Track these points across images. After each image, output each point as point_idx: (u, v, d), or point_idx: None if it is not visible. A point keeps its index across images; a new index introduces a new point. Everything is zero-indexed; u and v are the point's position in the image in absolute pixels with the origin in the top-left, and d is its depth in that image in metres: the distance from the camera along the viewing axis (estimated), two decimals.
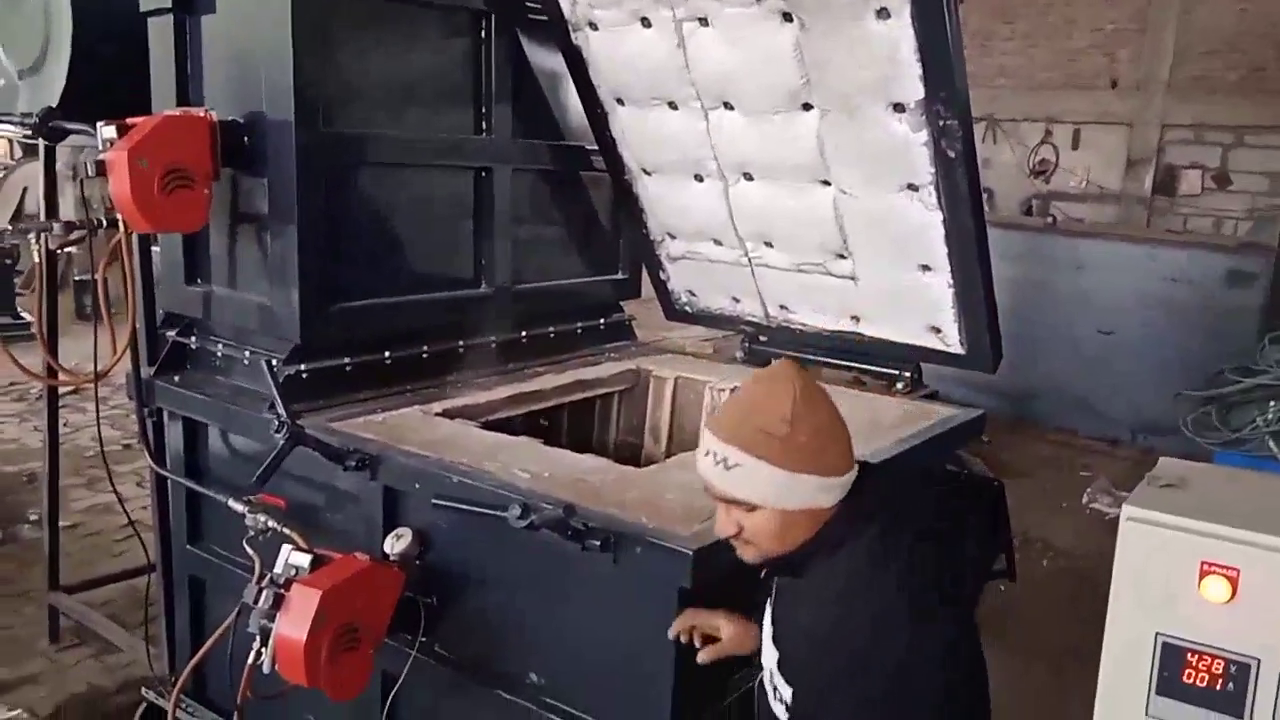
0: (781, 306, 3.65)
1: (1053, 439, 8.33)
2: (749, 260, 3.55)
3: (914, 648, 1.75)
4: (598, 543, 2.11)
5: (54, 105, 3.45)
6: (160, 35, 3.13)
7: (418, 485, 2.50)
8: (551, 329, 3.70)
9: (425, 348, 3.25)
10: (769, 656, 1.93)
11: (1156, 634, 1.93)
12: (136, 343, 3.21)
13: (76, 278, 9.70)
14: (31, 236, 3.60)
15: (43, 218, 3.84)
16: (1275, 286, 7.63)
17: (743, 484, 1.81)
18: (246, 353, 3.09)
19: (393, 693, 2.58)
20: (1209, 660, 1.88)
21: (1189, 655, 1.90)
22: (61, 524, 4.52)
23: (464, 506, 2.32)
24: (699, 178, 3.42)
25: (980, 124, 11.64)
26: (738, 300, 3.77)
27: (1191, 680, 1.90)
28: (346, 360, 3.05)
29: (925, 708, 1.77)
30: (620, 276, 4.00)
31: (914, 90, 2.74)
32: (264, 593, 2.29)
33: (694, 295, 3.91)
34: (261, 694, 2.40)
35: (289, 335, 2.95)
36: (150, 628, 3.65)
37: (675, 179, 3.50)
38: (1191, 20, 11.23)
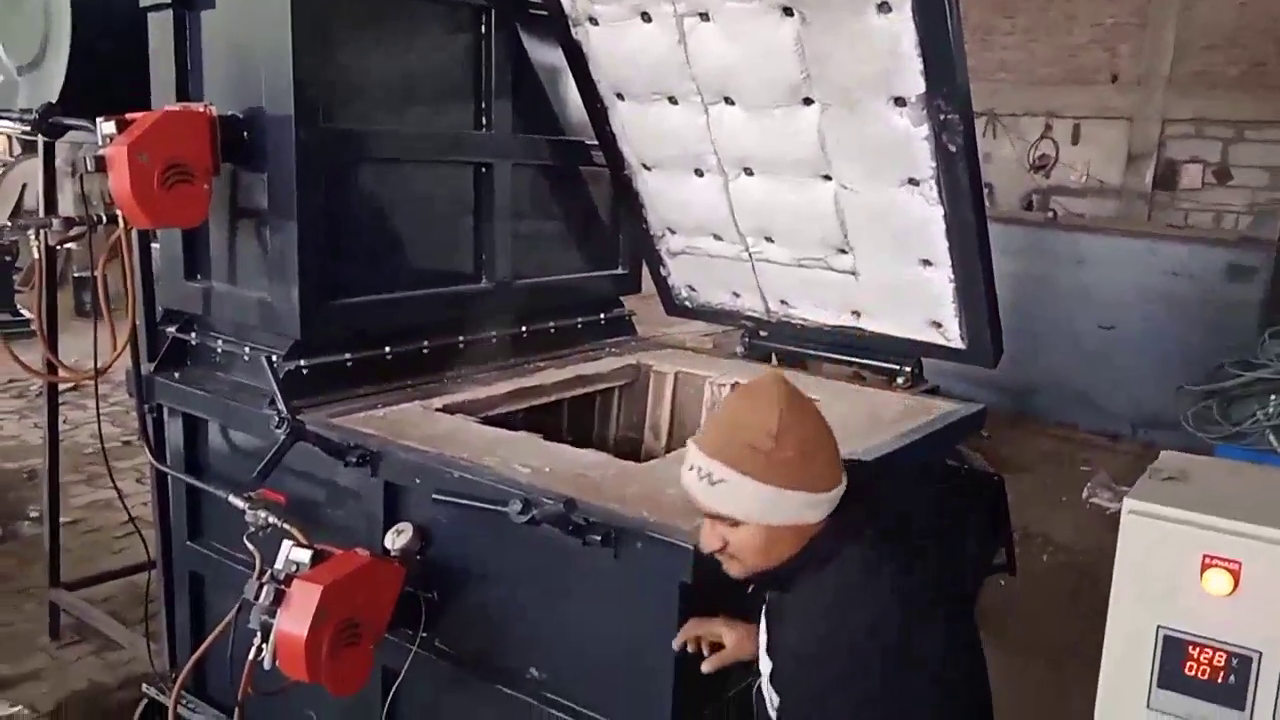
0: (782, 301, 3.65)
1: (1053, 434, 8.33)
2: (749, 255, 3.54)
3: (911, 647, 1.74)
4: (599, 538, 2.11)
5: (53, 101, 3.44)
6: (160, 30, 3.12)
7: (418, 480, 2.50)
8: (552, 324, 3.70)
9: (426, 343, 3.25)
10: (764, 665, 1.93)
11: (1158, 627, 1.93)
12: (136, 339, 3.21)
13: (76, 274, 9.70)
14: (31, 232, 3.60)
15: (42, 214, 3.83)
16: (1276, 281, 7.61)
17: (727, 500, 1.79)
18: (246, 348, 3.09)
19: (394, 688, 2.57)
20: (1210, 653, 1.88)
21: (1190, 648, 1.90)
22: (62, 520, 4.51)
23: (465, 502, 2.32)
24: (699, 173, 3.42)
25: (980, 119, 11.62)
26: (738, 295, 3.76)
27: (1193, 673, 1.90)
28: (347, 356, 3.05)
29: (925, 707, 1.76)
30: (620, 272, 4.00)
31: (915, 84, 2.74)
32: (265, 588, 2.29)
33: (694, 290, 3.91)
34: (262, 690, 2.41)
35: (289, 331, 2.95)
36: (151, 624, 3.65)
37: (675, 174, 3.49)
38: (1192, 15, 11.22)
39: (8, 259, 9.96)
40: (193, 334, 3.26)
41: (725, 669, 2.12)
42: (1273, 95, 10.72)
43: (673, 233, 3.74)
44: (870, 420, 2.98)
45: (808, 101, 2.97)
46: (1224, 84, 11.08)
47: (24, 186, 9.78)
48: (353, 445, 2.56)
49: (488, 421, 2.96)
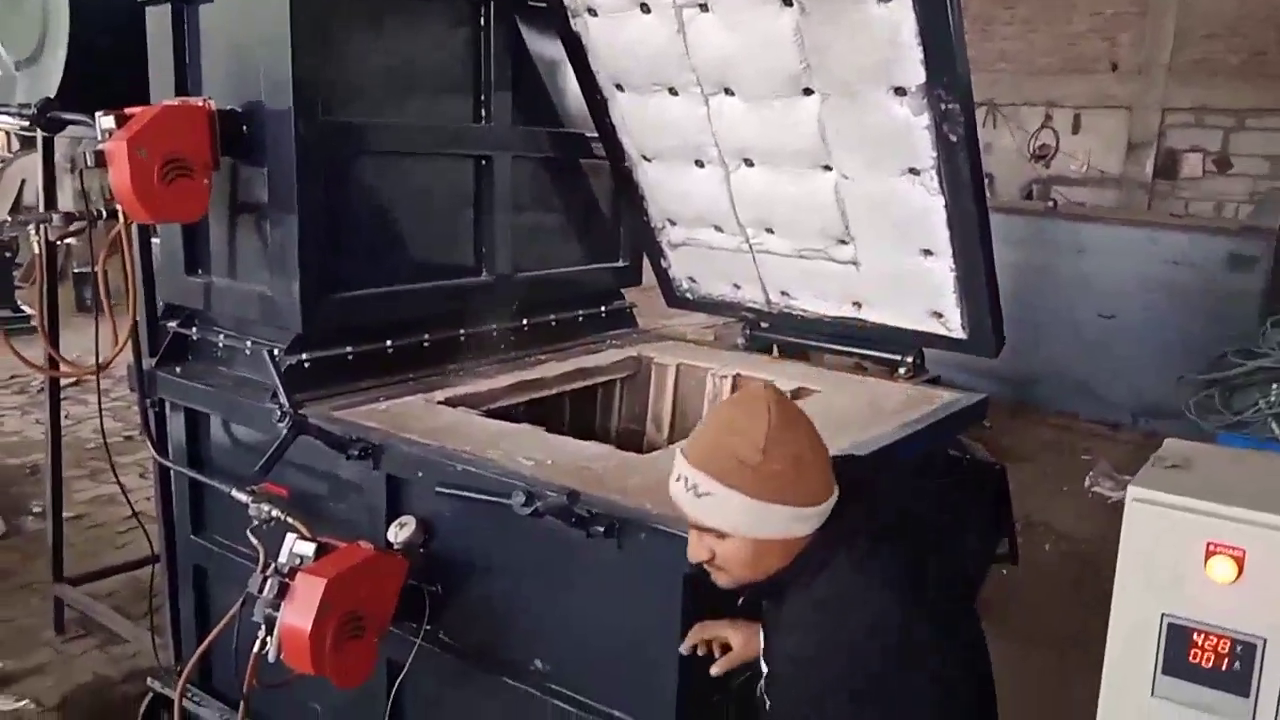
0: (783, 293, 3.65)
1: (1054, 423, 8.32)
2: (750, 246, 3.54)
3: (910, 647, 1.73)
4: (602, 529, 2.12)
5: (51, 96, 3.44)
6: (158, 24, 3.11)
7: (421, 474, 2.50)
8: (553, 317, 3.70)
9: (427, 336, 3.25)
10: (764, 667, 1.93)
11: (1162, 614, 1.93)
12: (138, 334, 3.21)
13: (76, 270, 9.70)
14: (31, 228, 3.60)
15: (42, 209, 3.83)
16: (1276, 270, 7.61)
17: (713, 512, 1.77)
18: (248, 343, 3.09)
19: (398, 680, 2.58)
20: (1215, 640, 1.88)
21: (1195, 635, 1.90)
22: (65, 516, 4.52)
23: (468, 494, 2.32)
24: (699, 164, 3.41)
25: (980, 109, 11.59)
26: (739, 287, 3.76)
27: (1198, 660, 1.90)
28: (348, 349, 3.05)
29: (925, 706, 1.75)
30: (621, 264, 3.99)
31: (915, 74, 2.73)
32: (269, 582, 2.29)
33: (695, 282, 3.90)
34: (267, 683, 2.41)
35: (290, 325, 2.95)
36: (155, 618, 3.65)
37: (676, 165, 3.49)
38: (1192, 4, 11.20)
39: (8, 255, 9.95)
40: (194, 329, 3.26)
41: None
42: (1273, 83, 10.71)
43: (673, 224, 3.73)
44: (872, 411, 2.98)
45: (808, 92, 2.96)
46: (1224, 72, 11.07)
47: (23, 182, 9.80)
48: (355, 438, 2.56)
49: (489, 414, 2.96)
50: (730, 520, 1.77)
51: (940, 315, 3.26)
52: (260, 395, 2.84)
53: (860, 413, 2.95)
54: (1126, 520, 1.97)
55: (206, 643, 2.67)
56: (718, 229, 3.57)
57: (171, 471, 3.29)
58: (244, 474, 2.78)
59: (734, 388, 3.44)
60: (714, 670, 2.08)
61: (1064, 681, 3.69)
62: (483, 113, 3.35)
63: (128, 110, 2.76)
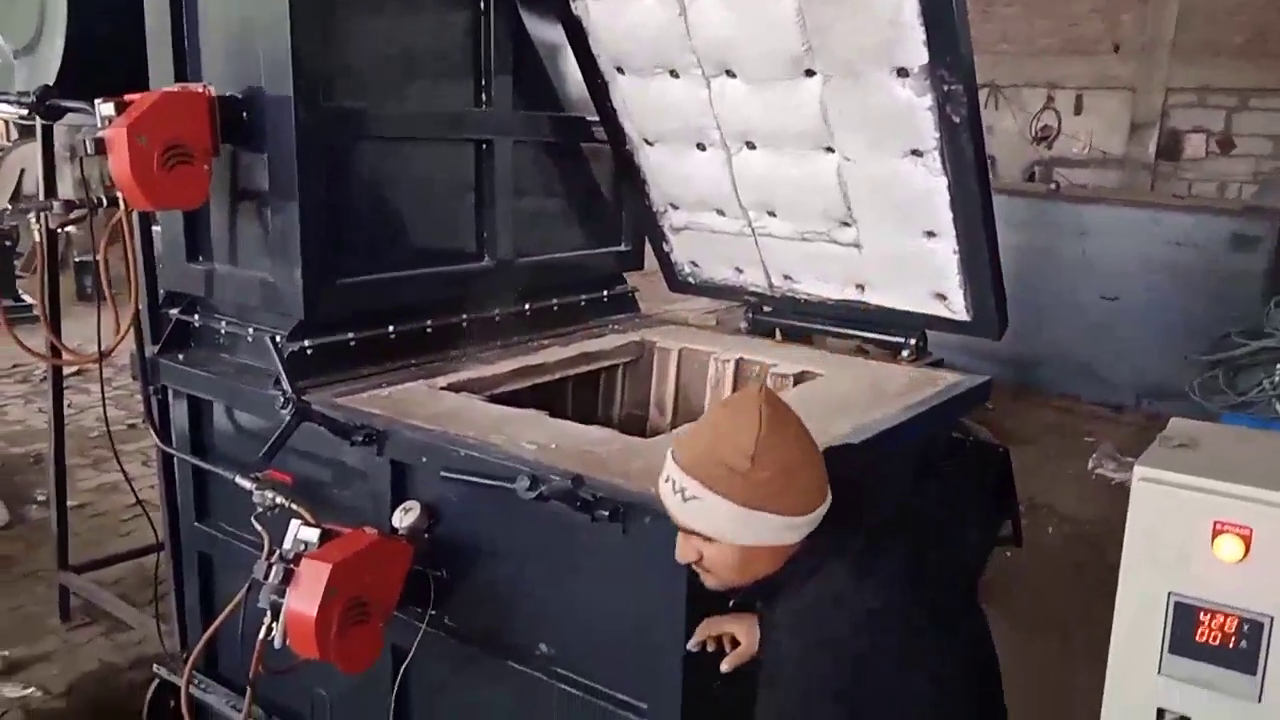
0: (785, 276, 3.64)
1: (1057, 405, 8.32)
2: (752, 230, 3.53)
3: (908, 645, 1.72)
4: (607, 513, 2.11)
5: (50, 84, 3.42)
6: (157, 10, 3.09)
7: (425, 459, 2.50)
8: (555, 302, 3.69)
9: (429, 322, 3.25)
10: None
11: (1169, 593, 1.93)
12: (139, 322, 3.21)
13: (77, 259, 9.68)
14: (31, 216, 3.59)
15: (42, 198, 3.82)
16: None
17: (699, 517, 1.75)
18: (250, 329, 3.08)
19: (403, 665, 2.58)
20: (1222, 619, 1.89)
21: (1201, 614, 1.90)
22: (69, 504, 4.53)
23: (472, 479, 2.32)
24: (701, 147, 3.40)
25: (982, 90, 11.48)
26: (741, 271, 3.75)
27: (1204, 639, 1.90)
28: (350, 335, 3.05)
29: (925, 705, 1.74)
30: (623, 248, 3.98)
31: (918, 55, 2.72)
32: (274, 568, 2.29)
33: (697, 266, 3.89)
34: (273, 668, 2.41)
35: (292, 311, 2.94)
36: (160, 605, 3.66)
37: (677, 148, 3.47)
38: None
39: (8, 244, 9.93)
40: (196, 316, 3.25)
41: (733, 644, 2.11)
42: (1277, 64, 10.66)
43: (675, 208, 3.72)
44: (874, 393, 2.98)
45: (810, 73, 2.95)
46: (1227, 52, 11.01)
47: (22, 171, 9.76)
48: (358, 425, 2.56)
49: (492, 399, 2.95)
50: (717, 526, 1.74)
51: (944, 297, 3.25)
52: (263, 382, 2.84)
53: (863, 395, 2.94)
54: (1133, 499, 1.97)
55: (212, 629, 2.68)
56: (720, 212, 3.56)
57: (175, 459, 3.29)
58: (247, 461, 2.78)
59: (737, 372, 3.44)
60: (724, 666, 2.06)
61: (1068, 663, 3.70)
62: (483, 97, 3.34)
63: (127, 97, 2.75)
